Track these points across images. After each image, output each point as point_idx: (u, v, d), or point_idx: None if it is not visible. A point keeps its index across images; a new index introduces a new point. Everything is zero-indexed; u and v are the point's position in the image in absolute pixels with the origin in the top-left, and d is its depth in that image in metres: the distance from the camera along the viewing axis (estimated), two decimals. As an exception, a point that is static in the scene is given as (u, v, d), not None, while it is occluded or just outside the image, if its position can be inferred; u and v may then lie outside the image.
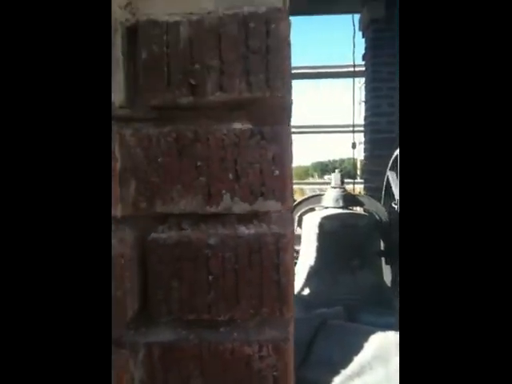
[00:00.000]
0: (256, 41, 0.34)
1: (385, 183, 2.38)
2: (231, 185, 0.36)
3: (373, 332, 1.46)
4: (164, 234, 0.37)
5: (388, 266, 2.23)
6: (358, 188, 4.72)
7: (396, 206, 2.13)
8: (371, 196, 2.53)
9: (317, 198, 2.43)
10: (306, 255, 2.13)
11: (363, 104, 3.94)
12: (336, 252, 2.05)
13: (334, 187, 2.29)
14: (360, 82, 5.58)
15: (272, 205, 0.36)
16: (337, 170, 2.38)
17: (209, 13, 0.35)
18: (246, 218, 0.37)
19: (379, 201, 2.37)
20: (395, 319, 1.61)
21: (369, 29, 3.56)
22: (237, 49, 0.35)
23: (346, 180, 2.48)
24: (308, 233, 2.15)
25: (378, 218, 2.24)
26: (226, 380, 0.36)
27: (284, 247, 0.35)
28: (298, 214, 2.33)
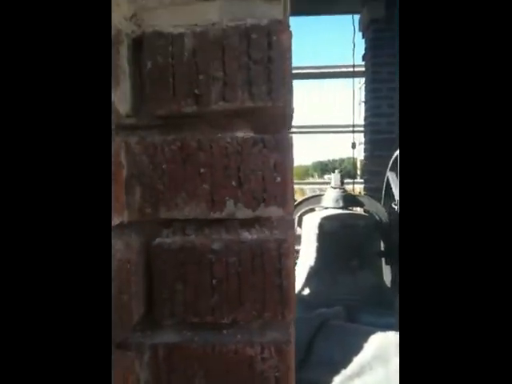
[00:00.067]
0: (258, 52, 0.35)
1: (385, 184, 2.38)
2: (234, 191, 0.37)
3: (373, 332, 1.47)
4: (168, 239, 0.38)
5: (388, 267, 2.24)
6: (358, 188, 4.73)
7: (396, 207, 2.14)
8: (371, 196, 2.54)
9: (317, 198, 2.44)
10: (306, 255, 2.13)
11: (363, 104, 3.95)
12: (336, 252, 2.06)
13: (334, 187, 2.29)
14: (360, 82, 5.59)
15: (274, 210, 0.37)
16: (337, 171, 2.39)
17: (213, 24, 0.36)
18: (249, 223, 0.39)
19: (379, 201, 2.38)
20: (395, 319, 1.62)
21: (369, 29, 3.57)
22: (239, 60, 0.36)
23: (345, 180, 2.48)
24: (308, 233, 2.16)
25: (377, 218, 2.25)
26: (230, 381, 0.37)
27: (286, 252, 0.36)
28: (298, 214, 2.34)
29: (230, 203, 0.37)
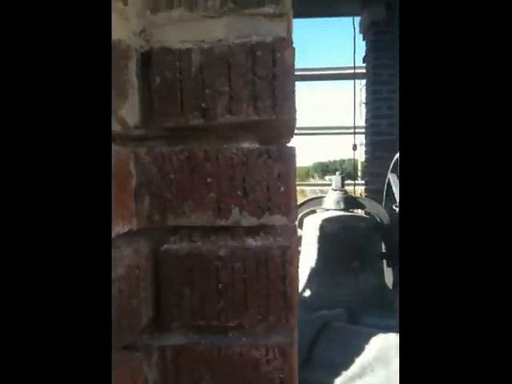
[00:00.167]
0: (263, 68, 0.37)
1: (386, 185, 2.40)
2: (240, 200, 0.39)
3: (374, 334, 1.48)
4: (176, 246, 0.40)
5: (389, 269, 2.25)
6: (359, 190, 4.74)
7: (397, 209, 2.15)
8: (372, 198, 2.55)
9: (318, 200, 2.45)
10: (308, 257, 2.15)
11: (364, 106, 3.96)
12: (337, 254, 2.07)
13: (335, 189, 2.31)
14: (361, 83, 5.61)
15: (278, 219, 0.39)
16: (337, 173, 2.40)
17: (219, 41, 0.38)
18: (254, 231, 0.40)
19: (380, 203, 2.39)
20: (396, 321, 1.62)
21: (369, 31, 3.58)
22: (245, 75, 0.37)
23: (346, 182, 2.49)
24: (309, 235, 2.17)
25: (379, 220, 2.26)
26: (235, 382, 0.39)
27: (289, 259, 0.38)
28: (300, 215, 2.35)
29: (235, 211, 0.39)
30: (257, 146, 0.39)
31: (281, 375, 0.39)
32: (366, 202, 2.37)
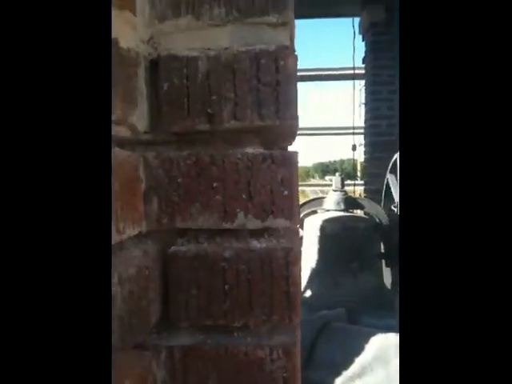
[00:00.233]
0: (266, 75, 0.38)
1: (385, 186, 2.41)
2: (245, 204, 0.40)
3: (373, 334, 1.49)
4: (183, 247, 0.41)
5: (388, 269, 2.26)
6: (359, 190, 4.76)
7: (396, 209, 2.16)
8: (371, 198, 2.57)
9: (318, 200, 2.47)
10: (308, 257, 2.16)
11: (363, 106, 3.97)
12: (337, 254, 2.08)
13: (335, 190, 2.32)
14: (360, 84, 5.63)
15: (281, 222, 0.40)
16: (337, 174, 2.41)
17: (225, 49, 0.39)
18: (258, 233, 0.41)
19: (379, 203, 2.41)
20: (396, 321, 1.64)
21: (369, 32, 3.59)
22: (249, 82, 0.38)
23: (346, 182, 2.51)
24: (309, 235, 2.18)
25: (378, 220, 2.27)
26: (241, 380, 0.40)
27: (292, 260, 0.39)
28: (301, 216, 2.36)
29: (240, 215, 0.40)
30: (261, 151, 0.40)
31: (284, 374, 0.40)
32: (365, 203, 2.38)
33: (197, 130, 0.40)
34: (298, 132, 0.46)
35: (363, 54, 3.81)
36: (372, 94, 3.56)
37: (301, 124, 0.42)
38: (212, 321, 0.41)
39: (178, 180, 0.40)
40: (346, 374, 1.44)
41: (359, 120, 4.62)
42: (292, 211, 0.40)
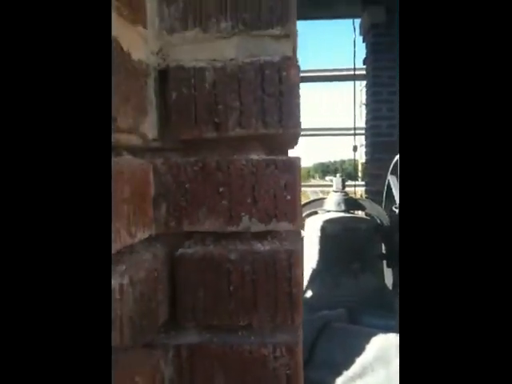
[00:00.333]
0: (270, 85, 0.40)
1: (385, 187, 2.42)
2: (249, 208, 0.42)
3: (374, 334, 1.50)
4: (190, 250, 0.43)
5: (389, 269, 2.28)
6: (359, 191, 4.77)
7: (396, 210, 2.18)
8: (372, 200, 2.58)
9: (319, 201, 2.48)
10: (309, 258, 2.17)
11: (364, 107, 3.98)
12: (338, 255, 2.09)
13: (336, 191, 2.33)
14: (361, 85, 5.65)
15: (284, 225, 0.42)
16: (338, 175, 2.43)
17: (230, 60, 0.41)
18: (261, 235, 0.43)
19: (380, 204, 2.42)
20: (396, 321, 1.65)
21: (369, 33, 3.60)
22: (254, 92, 0.40)
23: (347, 182, 2.52)
24: (310, 236, 2.20)
25: (379, 221, 2.28)
26: (245, 377, 0.42)
27: (295, 262, 0.41)
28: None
29: (245, 218, 0.42)
30: (264, 157, 0.42)
31: (287, 371, 0.42)
32: (366, 204, 2.39)
33: (204, 137, 0.41)
34: (299, 133, 0.47)
35: (364, 56, 3.83)
36: (373, 95, 3.57)
37: (301, 125, 0.43)
38: (217, 320, 0.42)
39: (186, 185, 0.42)
40: (347, 374, 1.46)
41: (360, 121, 4.64)
42: (294, 215, 0.41)
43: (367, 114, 3.75)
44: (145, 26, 0.39)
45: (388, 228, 2.23)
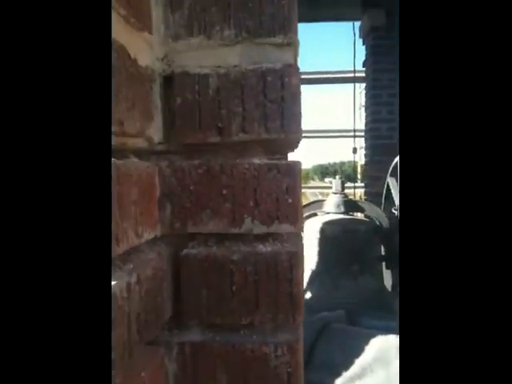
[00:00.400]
0: (272, 92, 0.41)
1: (385, 189, 2.44)
2: (252, 210, 0.43)
3: (374, 335, 1.51)
4: (194, 250, 0.44)
5: (388, 271, 2.29)
6: (359, 192, 4.79)
7: (396, 212, 2.19)
8: (371, 201, 2.60)
9: (319, 203, 2.49)
10: (308, 260, 2.18)
11: (363, 109, 4.00)
12: (337, 257, 2.11)
13: (335, 193, 2.35)
14: (361, 87, 5.67)
15: (286, 228, 0.43)
16: (337, 177, 2.44)
17: (234, 67, 0.42)
18: (263, 237, 0.44)
19: (379, 206, 2.43)
20: (395, 323, 1.66)
21: (369, 36, 3.62)
22: (256, 98, 0.42)
23: (346, 184, 2.53)
24: (310, 238, 2.21)
25: (378, 223, 2.30)
26: (247, 375, 0.43)
27: (296, 264, 0.42)
28: (301, 219, 2.38)
29: (247, 220, 0.43)
30: (266, 161, 0.43)
31: (288, 369, 0.43)
32: (365, 206, 2.41)
33: (208, 142, 0.43)
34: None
35: (364, 58, 3.85)
36: (372, 97, 3.59)
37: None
38: (220, 319, 0.44)
39: (190, 188, 0.43)
40: (346, 375, 1.46)
41: (360, 123, 4.66)
42: (296, 217, 0.43)
43: (367, 116, 3.77)
44: (151, 33, 0.40)
45: (387, 230, 2.24)
